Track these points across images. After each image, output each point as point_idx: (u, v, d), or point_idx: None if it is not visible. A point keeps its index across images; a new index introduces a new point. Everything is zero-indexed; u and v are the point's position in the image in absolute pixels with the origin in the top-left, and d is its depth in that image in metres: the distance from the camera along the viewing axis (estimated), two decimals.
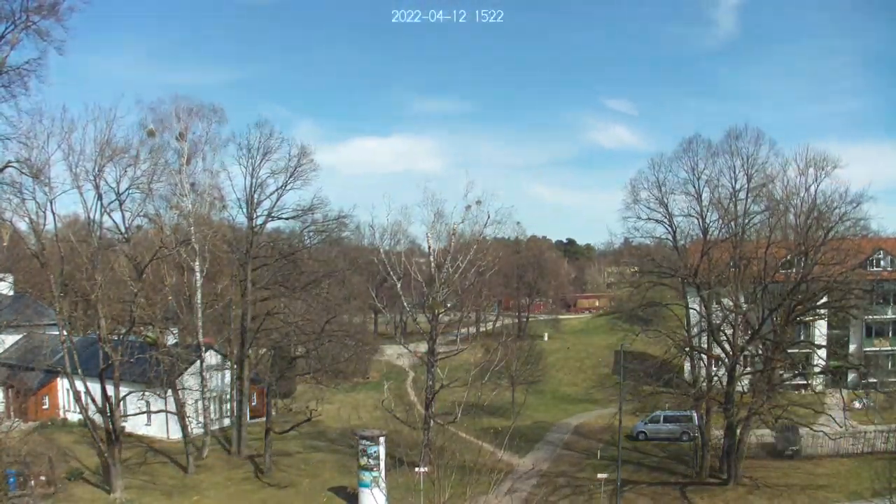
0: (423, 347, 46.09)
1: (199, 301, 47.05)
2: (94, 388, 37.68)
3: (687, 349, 42.52)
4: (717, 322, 41.72)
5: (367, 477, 35.04)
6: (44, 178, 35.19)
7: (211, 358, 48.48)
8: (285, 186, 46.17)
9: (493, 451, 41.01)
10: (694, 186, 43.70)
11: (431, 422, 41.93)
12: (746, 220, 43.20)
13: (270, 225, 50.36)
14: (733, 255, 41.54)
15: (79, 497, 36.51)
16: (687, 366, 45.39)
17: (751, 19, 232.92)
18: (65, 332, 37.61)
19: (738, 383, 40.44)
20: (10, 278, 57.07)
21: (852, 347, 58.56)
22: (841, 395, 42.53)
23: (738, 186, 43.23)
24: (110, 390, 37.21)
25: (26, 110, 33.12)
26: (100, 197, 37.28)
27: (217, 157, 48.94)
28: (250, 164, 45.44)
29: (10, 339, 54.29)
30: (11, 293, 55.49)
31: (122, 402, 38.19)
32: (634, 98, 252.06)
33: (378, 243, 60.11)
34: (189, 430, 42.41)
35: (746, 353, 41.79)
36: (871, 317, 53.46)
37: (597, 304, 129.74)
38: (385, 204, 78.63)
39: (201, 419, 45.62)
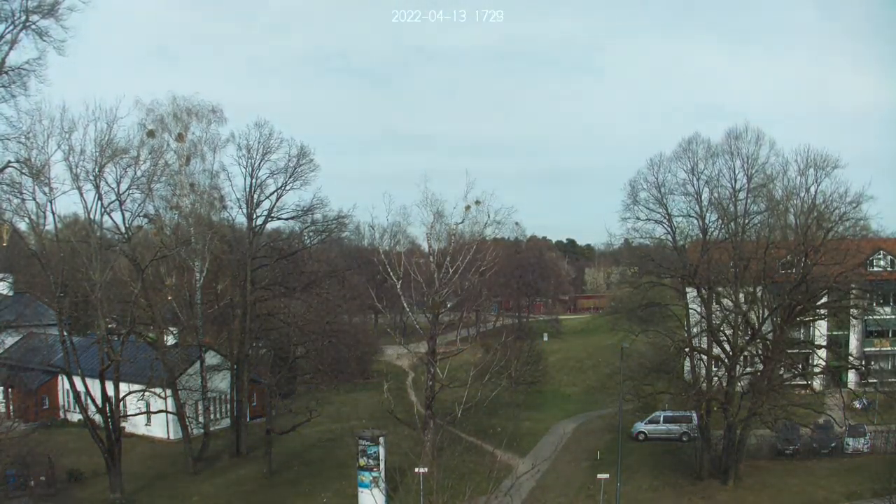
0: (423, 348, 46.10)
1: (199, 301, 47.09)
2: (95, 388, 37.73)
3: (687, 349, 42.49)
4: (717, 322, 41.70)
5: (366, 477, 35.06)
6: (44, 179, 35.24)
7: (211, 358, 48.50)
8: (285, 187, 46.28)
9: (493, 451, 41.05)
10: (693, 187, 43.52)
11: (431, 422, 41.93)
12: (746, 221, 43.11)
13: (270, 225, 50.47)
14: (733, 256, 41.49)
15: (79, 497, 36.58)
16: (687, 366, 45.32)
17: None
18: (65, 332, 37.62)
19: (738, 383, 40.43)
20: (10, 278, 57.02)
21: (852, 347, 58.44)
22: (841, 396, 42.54)
23: (737, 187, 43.13)
24: (110, 390, 37.26)
25: (26, 110, 32.96)
26: (100, 197, 37.35)
27: (217, 158, 49.04)
28: (250, 164, 45.59)
29: (10, 340, 54.24)
30: (11, 293, 55.46)
31: (122, 403, 38.23)
32: None
33: (378, 243, 60.08)
34: (189, 430, 42.44)
35: (746, 353, 41.76)
36: (871, 317, 53.32)
37: (596, 304, 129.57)
38: (385, 204, 78.23)
39: (201, 419, 45.62)
